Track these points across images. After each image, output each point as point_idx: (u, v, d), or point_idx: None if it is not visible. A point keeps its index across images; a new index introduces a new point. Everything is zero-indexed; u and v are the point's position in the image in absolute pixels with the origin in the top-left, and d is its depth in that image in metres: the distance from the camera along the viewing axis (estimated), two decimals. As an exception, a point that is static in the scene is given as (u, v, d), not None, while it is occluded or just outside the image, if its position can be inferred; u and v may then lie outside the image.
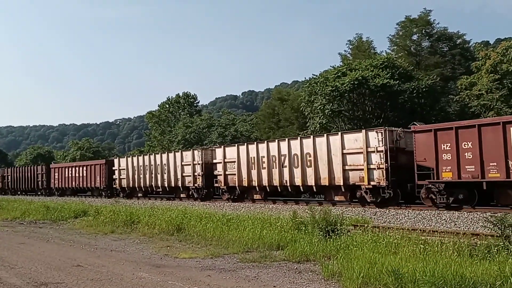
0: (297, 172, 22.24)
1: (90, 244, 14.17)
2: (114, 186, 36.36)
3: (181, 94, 68.02)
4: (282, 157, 23.07)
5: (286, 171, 22.83)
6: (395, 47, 39.14)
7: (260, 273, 9.36)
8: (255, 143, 25.23)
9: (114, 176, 36.39)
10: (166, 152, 32.26)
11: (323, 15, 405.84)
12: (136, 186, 34.12)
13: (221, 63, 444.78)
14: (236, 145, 26.71)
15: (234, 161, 25.68)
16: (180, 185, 29.94)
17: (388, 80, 28.94)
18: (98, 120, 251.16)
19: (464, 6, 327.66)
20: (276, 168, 23.34)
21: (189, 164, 29.09)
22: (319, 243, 11.32)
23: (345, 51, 42.04)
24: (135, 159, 34.81)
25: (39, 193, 47.14)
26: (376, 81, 28.78)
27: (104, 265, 10.40)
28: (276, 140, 24.07)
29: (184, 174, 29.56)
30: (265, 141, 25.01)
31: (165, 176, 31.12)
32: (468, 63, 35.10)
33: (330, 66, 37.77)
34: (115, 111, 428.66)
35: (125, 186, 35.34)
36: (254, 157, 24.77)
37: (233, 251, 11.85)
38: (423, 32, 37.23)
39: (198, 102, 71.43)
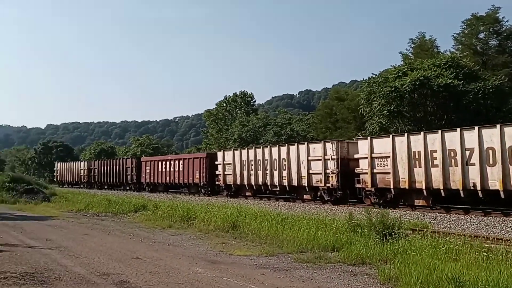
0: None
1: (149, 237, 14.59)
2: (217, 182, 32.90)
3: (238, 93, 68.81)
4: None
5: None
6: (460, 46, 37.61)
7: (315, 274, 9.29)
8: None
9: (217, 172, 32.90)
10: (287, 145, 27.66)
11: (384, 13, 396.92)
12: (245, 183, 30.09)
13: (278, 61, 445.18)
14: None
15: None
16: (305, 184, 25.50)
17: (451, 80, 27.89)
18: (158, 118, 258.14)
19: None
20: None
21: (319, 159, 24.41)
22: (375, 246, 11.08)
23: (406, 49, 40.93)
24: (244, 152, 30.66)
25: (127, 188, 45.51)
26: (438, 81, 27.80)
27: (162, 259, 10.69)
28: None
29: (311, 171, 25.14)
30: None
31: (284, 173, 26.82)
32: (540, 62, 33.20)
33: (391, 65, 36.92)
34: (174, 109, 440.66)
35: (231, 183, 31.38)
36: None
37: (288, 251, 11.83)
38: (491, 30, 35.54)
39: (255, 101, 72.04)
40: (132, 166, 44.85)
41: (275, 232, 14.11)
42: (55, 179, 63.70)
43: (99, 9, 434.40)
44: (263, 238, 13.88)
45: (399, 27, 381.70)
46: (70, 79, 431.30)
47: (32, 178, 46.61)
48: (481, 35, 36.28)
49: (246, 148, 31.60)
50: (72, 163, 60.47)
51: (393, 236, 11.88)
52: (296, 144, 26.65)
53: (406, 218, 16.84)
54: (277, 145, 28.82)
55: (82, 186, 54.27)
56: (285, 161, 26.54)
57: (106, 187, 49.99)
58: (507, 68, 33.88)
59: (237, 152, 31.41)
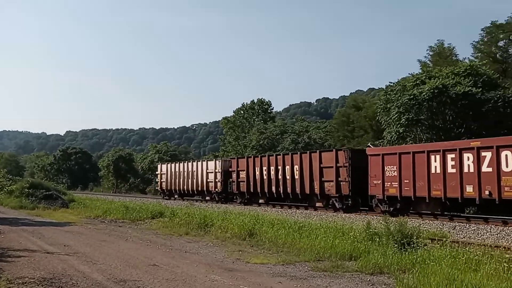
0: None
1: (166, 244, 14.65)
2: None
3: (255, 101, 68.96)
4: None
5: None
6: (479, 53, 37.16)
7: (332, 283, 9.23)
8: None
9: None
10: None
11: (402, 22, 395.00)
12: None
13: (295, 69, 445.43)
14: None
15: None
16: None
17: (470, 88, 27.57)
18: (175, 125, 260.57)
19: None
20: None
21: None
22: (393, 256, 10.97)
23: (425, 57, 40.60)
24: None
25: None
26: (457, 89, 27.51)
27: (179, 266, 10.72)
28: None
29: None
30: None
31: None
32: (562, 70, 32.65)
33: (408, 73, 36.67)
34: (192, 116, 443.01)
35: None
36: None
37: (305, 259, 11.77)
38: (511, 38, 35.09)
39: (272, 109, 72.11)
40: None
41: (292, 240, 14.06)
42: (157, 188, 48.10)
43: (116, 18, 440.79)
44: (280, 246, 13.83)
45: (417, 35, 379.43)
46: (89, 87, 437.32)
47: (51, 184, 46.96)
48: (501, 43, 35.84)
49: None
50: (191, 164, 39.41)
51: (412, 245, 11.75)
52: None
53: (425, 227, 16.64)
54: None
55: (207, 199, 36.26)
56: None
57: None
58: (528, 76, 33.38)
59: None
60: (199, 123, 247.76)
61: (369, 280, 9.44)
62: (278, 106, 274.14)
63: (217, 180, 34.66)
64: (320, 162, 25.19)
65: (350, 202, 23.62)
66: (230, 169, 33.38)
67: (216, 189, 34.65)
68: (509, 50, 35.89)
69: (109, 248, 13.70)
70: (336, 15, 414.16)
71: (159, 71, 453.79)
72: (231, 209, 25.02)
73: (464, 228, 16.94)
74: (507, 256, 9.85)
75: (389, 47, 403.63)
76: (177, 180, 40.65)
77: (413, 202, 20.69)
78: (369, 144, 27.43)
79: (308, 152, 27.32)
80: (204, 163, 37.28)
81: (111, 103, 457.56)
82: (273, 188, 28.88)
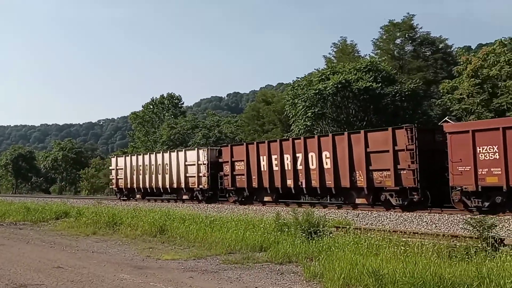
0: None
1: (71, 245, 14.03)
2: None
3: (165, 95, 67.83)
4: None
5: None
6: (379, 50, 39.51)
7: (243, 274, 9.38)
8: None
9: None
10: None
11: (310, 19, 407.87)
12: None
13: (206, 64, 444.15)
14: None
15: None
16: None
17: (371, 83, 29.22)
18: (81, 121, 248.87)
19: (447, 12, 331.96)
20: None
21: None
22: (301, 245, 11.37)
23: (329, 54, 42.36)
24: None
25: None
26: (359, 84, 29.03)
27: (85, 267, 10.31)
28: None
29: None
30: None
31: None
32: (450, 67, 35.60)
33: (314, 69, 38.04)
34: (99, 111, 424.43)
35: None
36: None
37: (216, 253, 11.84)
38: (406, 36, 37.64)
39: (183, 103, 71.35)
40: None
41: (203, 235, 14.06)
42: (112, 186, 39.44)
43: (33, 8, 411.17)
44: (192, 241, 13.79)
45: (324, 31, 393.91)
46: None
47: None
48: (398, 41, 38.36)
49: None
50: (161, 156, 32.16)
51: (318, 234, 12.24)
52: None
53: (330, 216, 17.41)
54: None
55: (184, 198, 30.01)
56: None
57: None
58: (421, 72, 36.03)
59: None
60: (106, 119, 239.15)
61: (278, 270, 9.71)
62: (189, 101, 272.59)
63: (200, 174, 27.93)
64: (366, 146, 19.49)
65: (417, 196, 18.09)
66: (220, 160, 27.04)
67: (200, 186, 27.96)
68: (405, 48, 38.49)
69: (9, 252, 12.84)
70: (247, 10, 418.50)
71: (61, 64, 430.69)
72: (220, 214, 19.63)
73: (366, 216, 17.96)
74: (403, 240, 10.59)
75: (298, 42, 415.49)
76: (140, 176, 33.32)
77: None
78: (446, 118, 22.61)
79: (345, 133, 21.07)
80: (181, 153, 30.03)
81: (9, 98, 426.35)
82: (289, 182, 22.80)
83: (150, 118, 66.77)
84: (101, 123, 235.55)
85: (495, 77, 29.47)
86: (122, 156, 37.34)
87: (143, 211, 20.61)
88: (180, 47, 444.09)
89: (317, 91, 29.87)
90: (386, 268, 7.96)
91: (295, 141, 22.77)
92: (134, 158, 34.76)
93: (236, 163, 25.79)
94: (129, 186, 34.83)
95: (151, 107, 67.61)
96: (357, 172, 19.87)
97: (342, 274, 8.06)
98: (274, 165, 23.51)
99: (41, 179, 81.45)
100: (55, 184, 79.16)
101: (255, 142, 25.35)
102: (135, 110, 70.69)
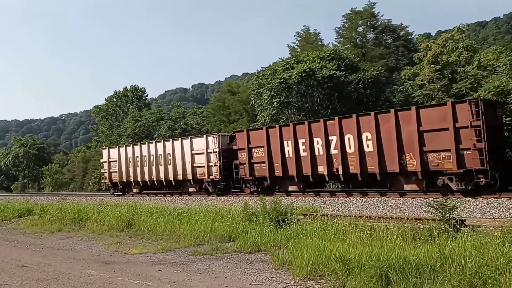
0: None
1: (36, 243, 13.72)
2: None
3: (129, 88, 66.67)
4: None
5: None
6: (342, 39, 39.84)
7: (212, 265, 9.39)
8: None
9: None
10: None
11: (273, 7, 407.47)
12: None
13: (171, 55, 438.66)
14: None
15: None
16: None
17: (334, 71, 29.48)
18: (42, 116, 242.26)
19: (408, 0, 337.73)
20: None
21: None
22: (270, 233, 11.46)
23: (293, 43, 42.46)
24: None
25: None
26: (323, 72, 29.25)
27: (51, 265, 10.11)
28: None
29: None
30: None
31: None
32: (411, 54, 36.23)
33: (279, 58, 38.09)
34: (61, 106, 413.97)
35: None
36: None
37: (185, 245, 11.81)
38: (368, 24, 38.06)
39: (147, 96, 70.21)
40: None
41: (172, 227, 14.00)
42: (104, 181, 36.28)
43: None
44: (160, 234, 13.72)
45: (288, 20, 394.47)
46: None
47: None
48: (360, 29, 38.73)
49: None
50: (163, 145, 29.44)
51: (286, 222, 12.36)
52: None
53: (298, 203, 17.59)
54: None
55: (191, 191, 27.68)
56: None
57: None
58: (384, 59, 36.57)
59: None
60: (69, 113, 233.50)
61: (247, 259, 9.77)
62: (153, 93, 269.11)
63: (211, 163, 25.47)
64: (419, 124, 17.18)
65: (484, 180, 15.90)
66: (234, 147, 24.60)
67: (211, 177, 25.48)
68: (367, 36, 38.95)
69: (-31, 253, 12.45)
70: (211, 0, 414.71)
71: (22, 58, 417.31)
72: (188, 206, 19.48)
73: (334, 202, 18.22)
74: (369, 224, 10.81)
75: (263, 32, 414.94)
76: (138, 169, 30.89)
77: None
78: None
79: (391, 111, 18.45)
80: (186, 141, 27.29)
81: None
82: (321, 169, 20.41)
83: (114, 111, 65.53)
84: (64, 117, 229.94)
85: (454, 63, 30.23)
86: (116, 147, 34.34)
87: (109, 206, 20.32)
88: (143, 39, 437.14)
89: (282, 80, 29.94)
90: (352, 253, 8.12)
91: (328, 122, 20.35)
92: (129, 148, 32.12)
93: (254, 149, 23.21)
94: (124, 180, 32.22)
95: (115, 100, 66.34)
96: (407, 154, 17.65)
97: (310, 260, 8.19)
98: (301, 150, 21.10)
99: (1, 177, 79.10)
100: (17, 182, 76.99)
101: (277, 126, 22.82)
102: (99, 104, 69.26)
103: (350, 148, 19.36)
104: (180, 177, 27.59)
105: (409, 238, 9.37)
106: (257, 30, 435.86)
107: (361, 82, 30.43)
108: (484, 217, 13.35)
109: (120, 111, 65.10)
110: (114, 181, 33.29)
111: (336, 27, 40.04)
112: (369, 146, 18.71)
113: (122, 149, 32.66)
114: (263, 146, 22.67)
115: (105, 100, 67.42)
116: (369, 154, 18.70)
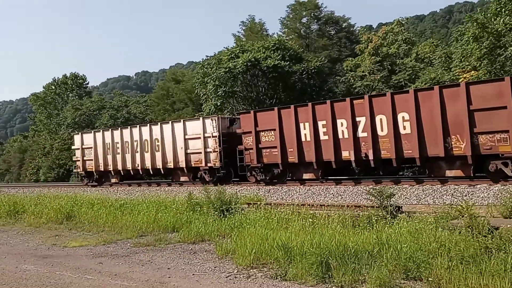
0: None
1: (-33, 239, 13.04)
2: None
3: (68, 75, 64.28)
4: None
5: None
6: (286, 29, 40.25)
7: (155, 256, 9.29)
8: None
9: None
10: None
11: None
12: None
13: (112, 43, 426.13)
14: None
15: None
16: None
17: (279, 61, 29.73)
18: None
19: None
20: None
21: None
22: (214, 223, 11.46)
23: (238, 32, 42.41)
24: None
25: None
26: (267, 62, 29.42)
27: (-17, 260, 9.66)
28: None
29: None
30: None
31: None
32: (353, 46, 37.17)
33: (224, 47, 37.93)
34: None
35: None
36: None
37: (127, 236, 11.60)
38: (312, 15, 38.65)
39: (88, 83, 68.01)
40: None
41: (113, 219, 13.72)
42: (77, 170, 31.47)
43: None
44: (101, 226, 13.42)
45: (233, 9, 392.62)
46: None
47: None
48: (304, 20, 39.28)
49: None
50: (148, 129, 25.83)
51: (230, 211, 12.39)
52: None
53: (242, 193, 17.67)
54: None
55: (182, 180, 24.76)
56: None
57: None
58: (327, 50, 37.31)
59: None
60: (4, 101, 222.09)
61: (191, 249, 9.74)
62: (94, 81, 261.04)
63: (209, 149, 22.40)
64: (469, 102, 15.00)
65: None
66: (237, 131, 21.55)
67: (209, 164, 22.45)
68: (311, 27, 39.54)
69: None
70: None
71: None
72: (130, 197, 18.66)
73: (277, 191, 18.43)
74: (311, 212, 11.03)
75: (209, 20, 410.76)
76: (118, 156, 27.17)
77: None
78: None
79: (435, 87, 16.17)
80: (178, 125, 23.93)
81: None
82: (346, 154, 17.98)
83: (53, 99, 63.05)
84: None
85: (394, 55, 31.30)
86: (91, 132, 30.36)
87: (47, 197, 19.60)
88: (85, 25, 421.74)
89: (227, 69, 29.86)
90: (295, 240, 8.27)
91: (355, 102, 17.81)
92: (108, 134, 28.14)
93: (262, 133, 20.44)
94: (101, 169, 28.24)
95: (53, 87, 63.82)
96: (453, 136, 15.44)
97: (253, 249, 8.27)
98: (321, 133, 18.57)
99: None
100: None
101: (292, 106, 19.75)
102: (36, 92, 66.33)
103: (382, 131, 17.03)
104: (170, 164, 24.27)
105: (349, 225, 9.63)
106: (203, 18, 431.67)
107: (305, 72, 30.88)
108: (419, 203, 13.94)
109: (60, 99, 62.77)
110: (89, 170, 29.29)
111: (281, 17, 40.42)
112: (406, 128, 16.42)
113: (99, 134, 28.83)
114: (274, 129, 19.92)
115: (43, 87, 64.74)
116: (405, 137, 16.42)
